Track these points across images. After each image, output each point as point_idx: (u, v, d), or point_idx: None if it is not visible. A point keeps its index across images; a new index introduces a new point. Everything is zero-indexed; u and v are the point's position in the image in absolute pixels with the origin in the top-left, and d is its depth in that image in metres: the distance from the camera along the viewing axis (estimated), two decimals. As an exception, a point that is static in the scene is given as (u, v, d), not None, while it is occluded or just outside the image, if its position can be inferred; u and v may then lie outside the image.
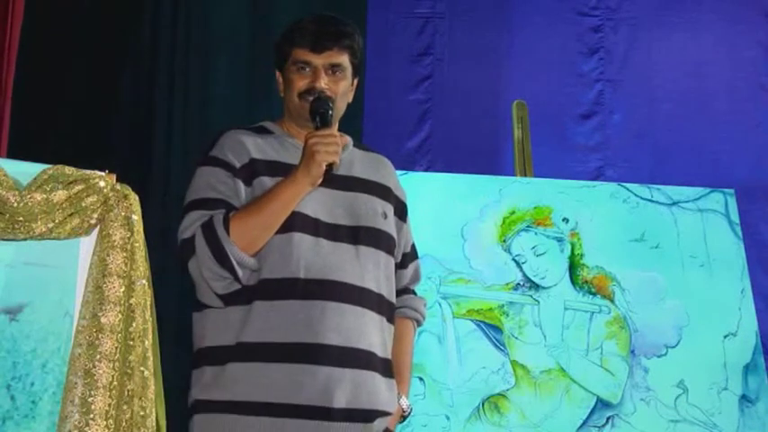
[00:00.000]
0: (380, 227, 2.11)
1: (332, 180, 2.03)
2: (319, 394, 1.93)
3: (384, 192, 2.18)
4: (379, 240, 2.09)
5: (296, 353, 1.94)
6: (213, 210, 1.98)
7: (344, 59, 2.13)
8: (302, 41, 2.10)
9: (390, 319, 2.11)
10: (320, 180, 2.00)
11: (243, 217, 1.96)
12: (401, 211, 2.23)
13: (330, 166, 1.99)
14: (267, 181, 2.04)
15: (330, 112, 2.06)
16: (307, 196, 2.01)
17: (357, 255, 2.04)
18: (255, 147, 2.09)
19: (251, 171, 2.05)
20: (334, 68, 2.11)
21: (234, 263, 1.94)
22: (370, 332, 2.03)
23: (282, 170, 2.04)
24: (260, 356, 1.95)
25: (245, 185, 2.04)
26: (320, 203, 2.04)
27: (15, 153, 3.20)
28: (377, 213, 2.11)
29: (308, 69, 2.11)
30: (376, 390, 2.01)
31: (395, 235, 2.16)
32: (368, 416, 1.99)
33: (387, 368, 2.07)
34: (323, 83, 2.09)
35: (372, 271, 2.06)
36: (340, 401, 1.94)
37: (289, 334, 1.95)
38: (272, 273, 1.98)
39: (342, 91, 2.12)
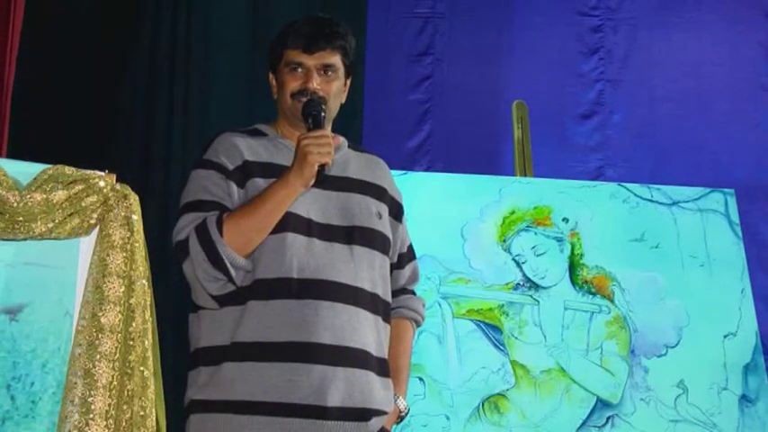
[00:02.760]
0: (375, 227, 2.11)
1: (326, 181, 2.04)
2: (313, 393, 1.93)
3: (379, 192, 2.18)
4: (374, 240, 2.10)
5: (290, 352, 1.95)
6: (207, 212, 1.99)
7: (337, 60, 2.13)
8: (294, 43, 2.11)
9: (386, 319, 2.12)
10: (313, 181, 2.00)
11: (236, 218, 1.97)
12: (397, 212, 2.23)
13: (322, 167, 1.99)
14: (260, 182, 2.04)
15: (322, 113, 2.07)
16: (301, 197, 2.02)
17: (351, 254, 2.05)
18: (249, 149, 2.10)
19: (244, 173, 2.06)
20: (326, 69, 2.12)
21: (227, 264, 1.94)
22: (364, 331, 2.03)
23: (276, 172, 2.05)
24: (254, 356, 1.95)
25: (239, 187, 2.05)
26: (314, 204, 2.05)
27: (15, 153, 3.20)
28: (371, 213, 2.12)
29: (300, 70, 2.11)
30: (370, 388, 2.02)
31: (390, 235, 2.16)
32: (362, 414, 1.99)
33: (382, 367, 2.07)
34: (315, 83, 2.10)
35: (367, 270, 2.06)
36: (334, 400, 1.94)
37: (282, 333, 1.96)
38: (266, 273, 1.98)
39: (334, 91, 2.13)
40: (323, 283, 1.99)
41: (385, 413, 2.05)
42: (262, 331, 1.96)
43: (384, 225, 2.14)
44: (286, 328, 1.96)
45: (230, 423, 1.94)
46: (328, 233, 2.05)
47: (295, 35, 2.12)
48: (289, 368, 1.94)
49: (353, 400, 1.98)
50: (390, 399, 2.08)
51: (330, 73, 2.12)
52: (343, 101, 2.20)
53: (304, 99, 2.09)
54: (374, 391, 2.02)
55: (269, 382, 1.94)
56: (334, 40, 2.12)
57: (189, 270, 1.98)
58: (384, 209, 2.17)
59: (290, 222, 2.01)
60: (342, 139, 2.21)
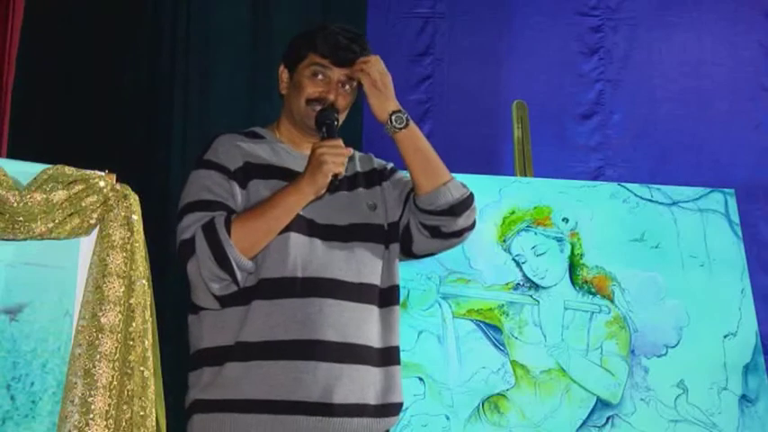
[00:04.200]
0: (370, 221, 2.13)
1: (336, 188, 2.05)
2: (319, 390, 1.94)
3: (370, 177, 2.19)
4: (371, 234, 2.11)
5: (295, 350, 1.96)
6: (212, 211, 1.99)
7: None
8: (324, 49, 2.11)
9: (395, 302, 2.12)
10: (324, 190, 2.01)
11: (245, 221, 1.97)
12: (389, 174, 2.22)
13: (335, 176, 2.00)
14: (261, 183, 2.05)
15: (336, 123, 2.07)
16: None
17: (352, 252, 2.06)
18: (249, 150, 2.11)
19: (245, 174, 2.07)
20: (346, 83, 2.12)
21: (234, 265, 1.95)
22: (369, 327, 2.04)
23: (276, 173, 2.06)
24: (259, 355, 1.96)
25: (241, 188, 2.05)
26: (312, 205, 2.05)
27: (15, 153, 3.20)
28: (364, 207, 2.13)
29: (322, 77, 2.11)
30: (374, 383, 2.02)
31: (385, 224, 2.16)
32: (368, 410, 2.00)
33: (389, 357, 2.08)
34: (334, 95, 2.10)
35: (368, 265, 2.07)
36: (340, 397, 1.95)
37: (287, 332, 1.96)
38: (270, 273, 1.99)
39: (346, 106, 2.15)
40: (326, 282, 2.00)
41: (389, 406, 2.05)
42: (267, 330, 1.97)
43: (378, 215, 2.15)
44: (291, 326, 1.97)
45: (236, 422, 1.95)
46: (328, 233, 2.06)
47: (326, 42, 2.11)
48: (294, 366, 1.95)
49: (359, 396, 1.98)
50: (393, 389, 2.08)
51: (348, 88, 2.14)
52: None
53: (319, 107, 2.09)
54: (378, 385, 2.03)
55: (274, 380, 1.94)
56: (362, 58, 2.13)
57: (193, 269, 1.98)
58: (377, 192, 2.18)
59: (292, 223, 2.01)
60: (351, 150, 2.22)
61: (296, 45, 2.17)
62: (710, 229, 3.77)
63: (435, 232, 2.13)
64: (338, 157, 1.99)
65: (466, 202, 2.15)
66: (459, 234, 2.17)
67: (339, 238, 2.06)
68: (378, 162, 2.26)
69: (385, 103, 2.10)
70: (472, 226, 2.20)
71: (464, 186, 2.16)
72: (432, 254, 2.23)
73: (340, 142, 2.04)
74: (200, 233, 1.96)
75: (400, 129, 2.09)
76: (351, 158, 2.21)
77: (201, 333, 2.04)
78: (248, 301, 1.99)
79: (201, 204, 2.03)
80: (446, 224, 2.12)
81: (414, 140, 2.11)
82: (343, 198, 2.13)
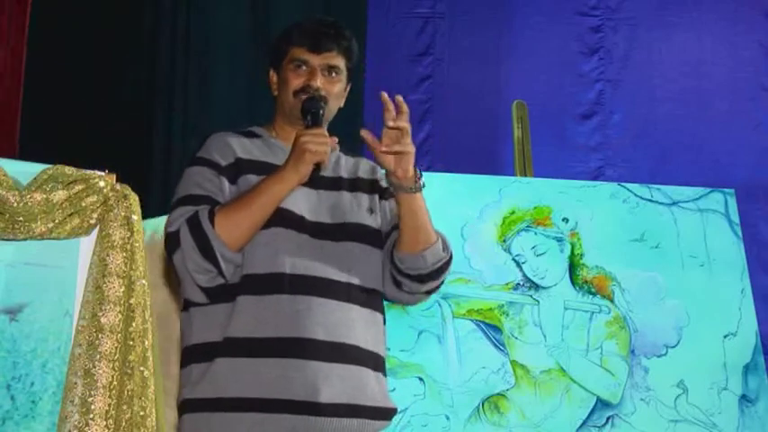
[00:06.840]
0: (365, 222, 2.12)
1: (318, 180, 2.04)
2: (307, 389, 1.93)
3: (370, 185, 2.19)
4: (364, 235, 2.10)
5: (283, 348, 1.95)
6: (199, 205, 2.00)
7: (341, 62, 2.14)
8: (301, 40, 2.12)
9: (380, 310, 2.12)
10: (307, 178, 2.00)
11: (228, 211, 1.97)
12: (388, 195, 2.21)
13: (318, 165, 2.00)
14: (253, 179, 2.05)
15: (321, 111, 2.07)
16: (293, 194, 2.02)
17: (343, 251, 2.05)
18: (242, 147, 2.11)
19: (237, 170, 2.07)
20: (330, 70, 2.13)
21: (218, 255, 1.94)
22: (358, 327, 2.03)
23: (268, 170, 2.05)
24: (247, 352, 1.95)
25: (231, 184, 2.06)
26: (306, 202, 2.05)
27: (21, 153, 3.21)
28: (361, 209, 2.13)
29: (304, 68, 2.12)
30: (364, 384, 2.02)
31: (381, 228, 2.16)
32: (356, 411, 1.99)
33: (377, 362, 2.07)
34: (318, 82, 2.10)
35: (359, 266, 2.07)
36: (327, 396, 1.94)
37: (276, 329, 1.95)
38: (257, 268, 1.99)
39: (336, 92, 2.14)
40: (315, 280, 2.00)
41: (380, 410, 2.05)
42: (254, 327, 1.96)
43: (375, 219, 2.15)
44: (279, 323, 1.96)
45: (223, 421, 1.94)
46: (319, 231, 2.05)
47: (302, 33, 2.13)
48: (282, 364, 1.94)
49: (347, 396, 1.97)
50: (385, 394, 2.08)
51: (334, 74, 2.13)
52: (342, 105, 2.20)
53: (306, 96, 2.10)
54: (368, 386, 2.02)
55: (262, 378, 1.93)
56: (340, 42, 2.13)
57: (179, 261, 1.98)
58: (375, 200, 2.18)
59: (282, 218, 2.01)
60: (335, 139, 2.22)
61: (276, 45, 2.18)
62: (710, 229, 3.77)
63: (400, 287, 2.11)
64: (321, 146, 1.99)
65: (437, 272, 2.12)
66: (422, 295, 2.15)
67: (330, 236, 2.06)
68: (380, 176, 2.25)
69: (411, 161, 2.03)
70: (435, 290, 2.16)
71: (445, 249, 2.13)
72: (399, 303, 2.20)
73: (323, 131, 2.04)
74: (185, 225, 1.97)
75: (422, 187, 2.05)
76: (359, 165, 2.21)
77: (191, 329, 2.04)
78: (234, 297, 1.99)
79: (190, 199, 2.03)
80: (409, 287, 2.11)
81: (419, 201, 2.07)
82: (342, 197, 2.12)
